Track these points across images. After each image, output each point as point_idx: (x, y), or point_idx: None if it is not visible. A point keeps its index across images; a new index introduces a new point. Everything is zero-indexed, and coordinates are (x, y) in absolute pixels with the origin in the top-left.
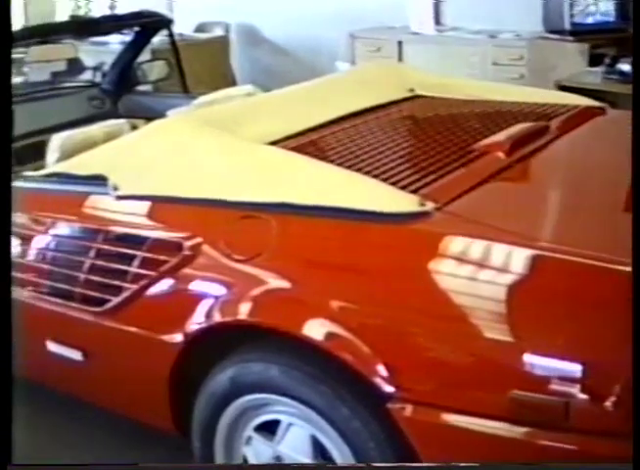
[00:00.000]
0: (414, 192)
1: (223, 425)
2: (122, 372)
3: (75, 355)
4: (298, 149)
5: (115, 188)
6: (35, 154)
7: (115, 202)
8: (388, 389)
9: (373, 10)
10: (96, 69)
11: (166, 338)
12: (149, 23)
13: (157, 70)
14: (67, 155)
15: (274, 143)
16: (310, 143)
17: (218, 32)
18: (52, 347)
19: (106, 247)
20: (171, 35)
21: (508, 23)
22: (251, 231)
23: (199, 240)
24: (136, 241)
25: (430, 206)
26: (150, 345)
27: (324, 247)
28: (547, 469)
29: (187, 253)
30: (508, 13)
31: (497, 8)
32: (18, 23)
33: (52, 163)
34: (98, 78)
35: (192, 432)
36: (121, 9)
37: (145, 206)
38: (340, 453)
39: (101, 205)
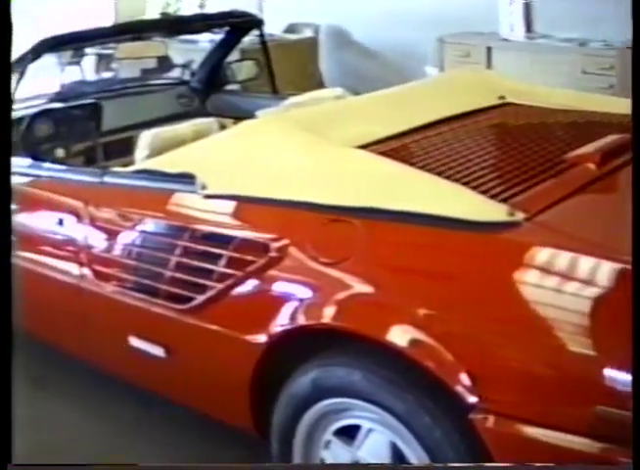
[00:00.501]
0: (503, 201)
1: (303, 428)
2: (204, 370)
3: (158, 352)
4: (387, 153)
5: (204, 187)
6: (123, 150)
7: (202, 200)
8: (471, 399)
9: (462, 14)
10: (185, 67)
11: (250, 338)
12: (239, 23)
13: (245, 69)
14: (155, 152)
15: (363, 147)
16: (399, 148)
17: (308, 34)
18: (134, 342)
19: (192, 245)
20: (262, 35)
21: (599, 31)
22: (339, 235)
23: (286, 242)
24: (223, 240)
25: (519, 216)
26: (233, 344)
27: (411, 253)
28: None
29: (274, 254)
30: (599, 21)
31: (588, 16)
32: (108, 20)
33: (141, 159)
34: (187, 76)
35: (271, 433)
36: (211, 8)
37: (232, 205)
38: (419, 461)
39: (187, 203)
